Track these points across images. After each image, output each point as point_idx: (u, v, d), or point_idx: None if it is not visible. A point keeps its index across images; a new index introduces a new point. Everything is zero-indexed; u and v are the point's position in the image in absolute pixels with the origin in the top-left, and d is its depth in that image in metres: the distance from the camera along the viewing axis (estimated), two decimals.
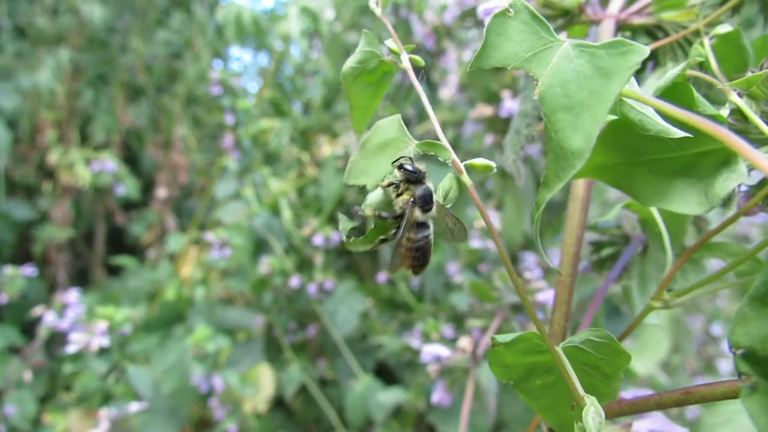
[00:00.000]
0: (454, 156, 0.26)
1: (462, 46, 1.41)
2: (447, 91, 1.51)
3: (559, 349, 0.31)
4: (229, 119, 1.32)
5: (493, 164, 0.28)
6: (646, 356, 1.35)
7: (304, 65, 1.70)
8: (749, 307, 0.19)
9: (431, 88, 1.37)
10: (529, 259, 1.18)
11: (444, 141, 0.26)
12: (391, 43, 0.34)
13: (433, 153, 0.26)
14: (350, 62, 0.37)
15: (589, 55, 0.20)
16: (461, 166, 0.27)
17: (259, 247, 1.35)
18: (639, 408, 0.33)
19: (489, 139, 1.09)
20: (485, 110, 1.04)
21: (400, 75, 1.31)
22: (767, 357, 0.19)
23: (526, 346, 0.32)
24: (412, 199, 0.32)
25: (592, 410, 0.27)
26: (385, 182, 0.31)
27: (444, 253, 1.44)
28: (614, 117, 0.29)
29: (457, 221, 0.36)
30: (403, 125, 0.30)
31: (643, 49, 0.19)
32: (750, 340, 0.19)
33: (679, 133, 0.24)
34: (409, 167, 0.31)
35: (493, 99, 1.05)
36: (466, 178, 0.27)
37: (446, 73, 1.47)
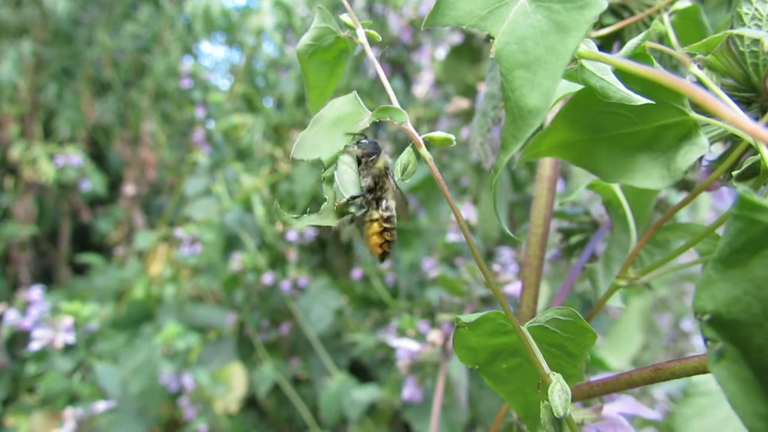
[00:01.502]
0: (411, 127, 0.25)
1: (437, 42, 1.41)
2: (421, 89, 1.51)
3: (524, 328, 0.30)
4: (200, 113, 1.30)
5: (452, 137, 0.27)
6: (620, 351, 1.37)
7: (278, 59, 1.68)
8: (714, 270, 0.19)
9: (406, 81, 1.36)
10: (506, 254, 1.19)
11: (395, 103, 0.26)
12: (346, 18, 0.33)
13: (388, 119, 0.25)
14: (305, 39, 0.35)
15: (545, 10, 0.20)
16: (419, 138, 0.27)
17: (231, 243, 1.32)
18: (609, 388, 0.33)
19: (465, 133, 1.09)
20: (462, 103, 1.04)
21: (374, 70, 1.30)
22: (733, 321, 0.18)
23: (491, 327, 0.32)
24: (386, 166, 0.31)
25: (558, 387, 0.26)
26: (357, 150, 0.30)
27: (417, 251, 1.43)
28: (576, 90, 0.29)
29: (402, 196, 0.35)
30: (358, 99, 0.29)
31: (600, 2, 0.19)
32: (715, 304, 0.18)
33: (640, 100, 0.24)
34: (366, 140, 0.30)
35: (470, 92, 1.05)
36: (424, 151, 0.26)
37: (420, 70, 1.46)
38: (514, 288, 0.78)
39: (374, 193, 0.32)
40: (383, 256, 0.35)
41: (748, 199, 0.17)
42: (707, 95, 0.15)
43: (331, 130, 0.28)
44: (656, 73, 0.17)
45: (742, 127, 0.14)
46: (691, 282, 1.58)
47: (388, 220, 0.33)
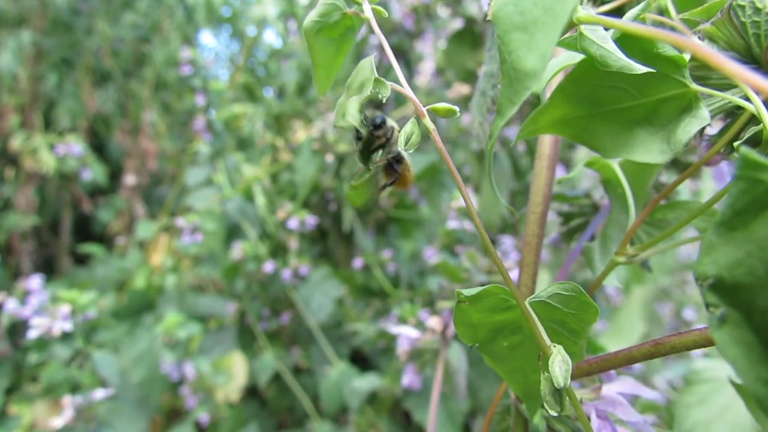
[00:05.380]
0: (412, 94, 0.25)
1: (439, 30, 1.40)
2: (423, 78, 1.50)
3: (526, 303, 0.30)
4: (200, 100, 1.29)
5: (456, 108, 0.27)
6: (621, 340, 1.37)
7: (279, 49, 1.68)
8: (715, 235, 0.18)
9: (409, 69, 1.36)
10: (507, 242, 1.19)
11: (400, 75, 0.26)
12: None
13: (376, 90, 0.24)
14: (312, 16, 0.35)
15: None
16: (423, 109, 0.26)
17: (232, 233, 1.32)
18: (608, 364, 0.33)
19: (467, 119, 1.09)
20: (462, 89, 1.03)
21: (378, 55, 1.29)
22: (736, 284, 0.18)
23: (493, 303, 0.31)
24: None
25: (559, 358, 0.26)
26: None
27: (418, 240, 1.43)
28: (575, 62, 0.28)
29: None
30: (374, 66, 0.29)
31: None
32: (717, 269, 0.18)
33: (641, 69, 0.23)
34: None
35: (471, 78, 1.04)
36: (428, 121, 0.26)
37: (422, 59, 1.46)
38: (513, 275, 0.78)
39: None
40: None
41: (751, 159, 0.16)
42: (710, 50, 0.15)
43: (356, 92, 0.28)
44: (657, 31, 0.17)
45: (747, 80, 0.14)
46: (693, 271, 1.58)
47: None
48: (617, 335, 1.36)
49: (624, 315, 1.39)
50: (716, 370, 0.62)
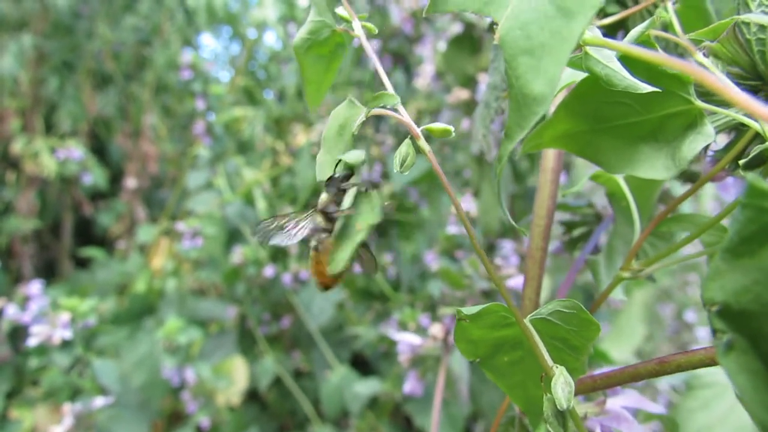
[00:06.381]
0: (408, 118, 0.25)
1: (439, 33, 1.40)
2: (422, 81, 1.50)
3: (527, 321, 0.30)
4: (200, 104, 1.29)
5: (451, 128, 0.27)
6: (622, 343, 1.37)
7: (279, 52, 1.68)
8: (722, 261, 0.18)
9: (408, 73, 1.36)
10: (507, 246, 1.18)
11: (389, 87, 0.25)
12: (342, 11, 0.33)
13: (382, 105, 0.24)
14: (301, 33, 0.35)
15: None
16: (417, 130, 0.26)
17: (232, 237, 1.32)
18: (613, 381, 0.32)
19: (466, 124, 1.09)
20: (462, 94, 1.03)
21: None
22: (743, 311, 0.18)
23: (493, 320, 0.31)
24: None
25: (561, 380, 0.26)
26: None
27: (419, 243, 1.43)
28: (580, 79, 0.28)
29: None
30: (354, 100, 0.29)
31: None
32: (724, 295, 0.18)
33: (646, 88, 0.23)
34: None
35: (470, 83, 1.04)
36: (423, 143, 0.26)
37: (422, 62, 1.46)
38: (516, 281, 0.77)
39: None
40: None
41: (758, 187, 0.16)
42: (717, 79, 0.15)
43: (337, 142, 0.28)
44: (663, 57, 0.17)
45: (755, 111, 0.14)
46: (695, 272, 1.58)
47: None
48: (618, 338, 1.36)
49: (625, 318, 1.39)
50: (718, 375, 0.62)
